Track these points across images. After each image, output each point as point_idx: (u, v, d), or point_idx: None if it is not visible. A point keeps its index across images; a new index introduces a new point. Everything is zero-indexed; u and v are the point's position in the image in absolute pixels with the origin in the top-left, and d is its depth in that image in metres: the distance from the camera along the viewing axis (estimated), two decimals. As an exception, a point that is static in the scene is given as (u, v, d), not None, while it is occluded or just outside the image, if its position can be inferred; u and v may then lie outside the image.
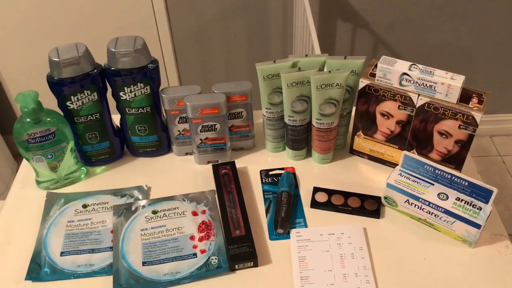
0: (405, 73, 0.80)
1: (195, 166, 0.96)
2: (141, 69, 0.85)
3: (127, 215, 0.84)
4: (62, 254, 0.79)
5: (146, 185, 0.91)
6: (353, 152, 0.96)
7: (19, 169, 0.96)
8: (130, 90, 0.86)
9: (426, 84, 0.79)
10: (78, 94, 0.85)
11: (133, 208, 0.85)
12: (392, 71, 0.81)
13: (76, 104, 0.86)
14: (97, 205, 0.87)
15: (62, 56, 0.81)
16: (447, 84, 0.77)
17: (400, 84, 0.81)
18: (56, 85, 0.84)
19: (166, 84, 2.00)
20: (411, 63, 0.81)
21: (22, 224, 0.85)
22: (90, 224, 0.84)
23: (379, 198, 0.86)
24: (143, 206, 0.86)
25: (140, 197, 0.89)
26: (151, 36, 1.86)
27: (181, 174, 0.94)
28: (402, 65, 0.81)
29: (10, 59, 1.88)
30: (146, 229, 0.82)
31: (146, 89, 0.87)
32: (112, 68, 0.85)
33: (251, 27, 1.87)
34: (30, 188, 0.91)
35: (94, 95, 0.87)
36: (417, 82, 0.80)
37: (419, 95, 0.81)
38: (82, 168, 0.94)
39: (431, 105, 0.80)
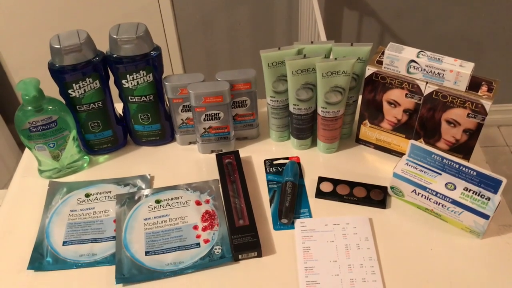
0: (412, 60, 0.78)
1: (198, 155, 0.95)
2: (144, 57, 0.83)
3: (130, 204, 0.84)
4: (64, 243, 0.79)
5: (149, 174, 0.90)
6: (359, 141, 0.95)
7: (21, 158, 0.95)
8: (133, 78, 0.85)
9: (434, 72, 0.77)
10: (80, 81, 0.84)
11: (136, 198, 0.85)
12: (399, 58, 0.79)
13: (78, 92, 0.85)
14: (99, 194, 0.86)
15: (63, 43, 0.80)
16: (456, 72, 0.75)
17: (408, 71, 0.80)
18: (58, 73, 0.83)
19: (170, 72, 1.99)
20: (419, 50, 0.79)
21: (24, 213, 0.84)
22: (92, 214, 0.83)
23: (385, 188, 0.84)
24: (146, 196, 0.85)
25: (143, 186, 0.88)
26: (155, 23, 1.84)
27: (184, 163, 0.93)
28: (409, 52, 0.79)
29: (13, 46, 1.87)
30: (149, 218, 0.81)
31: (149, 77, 0.86)
32: (114, 56, 0.84)
33: (256, 14, 1.85)
34: (33, 177, 0.91)
35: (96, 83, 0.85)
36: (425, 69, 0.78)
37: (427, 82, 0.79)
38: (85, 157, 0.93)
39: (439, 93, 0.79)
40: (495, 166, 2.04)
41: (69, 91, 0.85)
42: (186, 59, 1.98)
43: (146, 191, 0.86)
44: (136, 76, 0.85)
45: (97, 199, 0.86)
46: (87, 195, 0.86)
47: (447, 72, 0.76)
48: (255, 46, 1.94)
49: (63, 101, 0.86)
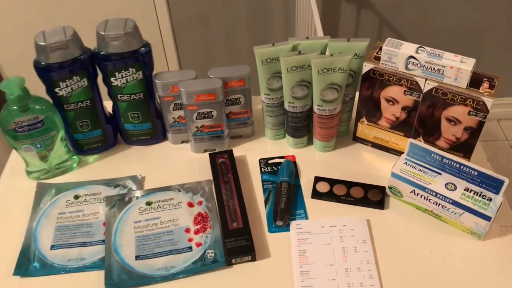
0: (411, 56, 0.75)
1: (191, 154, 0.92)
2: (133, 53, 0.81)
3: (120, 206, 0.81)
4: (52, 247, 0.76)
5: (140, 175, 0.87)
6: (356, 139, 0.92)
7: (8, 159, 0.93)
8: (122, 75, 0.82)
9: (434, 68, 0.74)
10: (67, 80, 0.81)
11: (126, 199, 0.82)
12: (398, 54, 0.76)
13: (65, 90, 0.82)
14: (89, 196, 0.84)
15: (48, 40, 0.77)
16: (456, 68, 0.73)
17: (406, 68, 0.77)
18: (44, 71, 0.80)
19: (165, 68, 1.96)
20: (418, 45, 0.76)
21: (11, 216, 0.81)
22: (81, 216, 0.81)
23: (384, 188, 0.82)
24: (137, 197, 0.82)
25: (134, 187, 0.85)
26: (149, 19, 1.81)
27: (176, 163, 0.90)
28: (408, 48, 0.76)
29: (2, 44, 1.83)
30: (140, 221, 0.79)
31: (138, 74, 0.83)
32: (102, 53, 0.81)
33: (252, 9, 1.81)
34: (20, 178, 0.88)
35: (83, 81, 0.83)
36: (424, 65, 0.75)
37: (426, 79, 0.76)
38: (74, 157, 0.90)
39: (439, 90, 0.76)
40: (494, 161, 2.02)
41: (56, 90, 0.82)
42: (181, 55, 1.95)
43: (137, 193, 0.83)
44: (125, 74, 0.82)
45: (86, 201, 0.83)
46: (76, 197, 0.84)
47: (447, 68, 0.73)
48: (252, 41, 1.91)
49: (50, 100, 0.83)
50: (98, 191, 0.84)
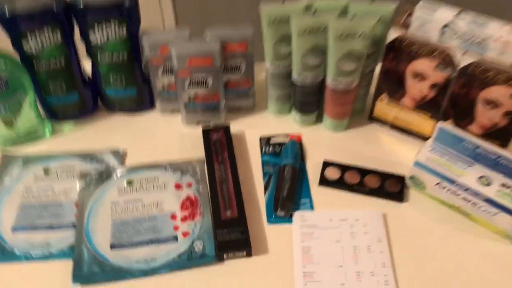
0: (448, 24, 0.63)
1: (182, 127, 0.81)
2: (115, 5, 0.69)
3: (97, 184, 0.71)
4: (14, 229, 0.66)
5: (122, 149, 0.77)
6: (373, 119, 0.81)
7: (-30, 122, 0.81)
8: (102, 31, 0.71)
9: (474, 40, 0.62)
10: (37, 33, 0.69)
11: (104, 176, 0.72)
12: (431, 20, 0.64)
13: (35, 46, 0.70)
14: (61, 170, 0.73)
15: (13, -17, 0.64)
16: (504, 40, 0.61)
17: (441, 38, 0.65)
18: (8, 22, 0.68)
19: (160, 24, 1.82)
20: (459, 10, 0.64)
21: (-32, 190, 0.71)
22: (51, 194, 0.70)
23: (403, 177, 0.72)
24: (117, 175, 0.72)
25: (114, 163, 0.75)
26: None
27: (165, 136, 0.80)
28: (445, 13, 0.64)
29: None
30: (118, 202, 0.68)
31: (121, 30, 0.71)
32: (79, 3, 0.68)
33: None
34: (-17, 146, 0.77)
35: (56, 36, 0.70)
36: (463, 36, 0.63)
37: (464, 52, 0.64)
38: (46, 123, 0.79)
39: (479, 66, 0.64)
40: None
41: (24, 45, 0.69)
42: (179, 8, 1.80)
43: (117, 170, 0.72)
44: (106, 29, 0.70)
45: (57, 177, 0.72)
46: (46, 171, 0.73)
47: (491, 40, 0.61)
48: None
49: (17, 57, 0.72)
50: (72, 165, 0.74)
